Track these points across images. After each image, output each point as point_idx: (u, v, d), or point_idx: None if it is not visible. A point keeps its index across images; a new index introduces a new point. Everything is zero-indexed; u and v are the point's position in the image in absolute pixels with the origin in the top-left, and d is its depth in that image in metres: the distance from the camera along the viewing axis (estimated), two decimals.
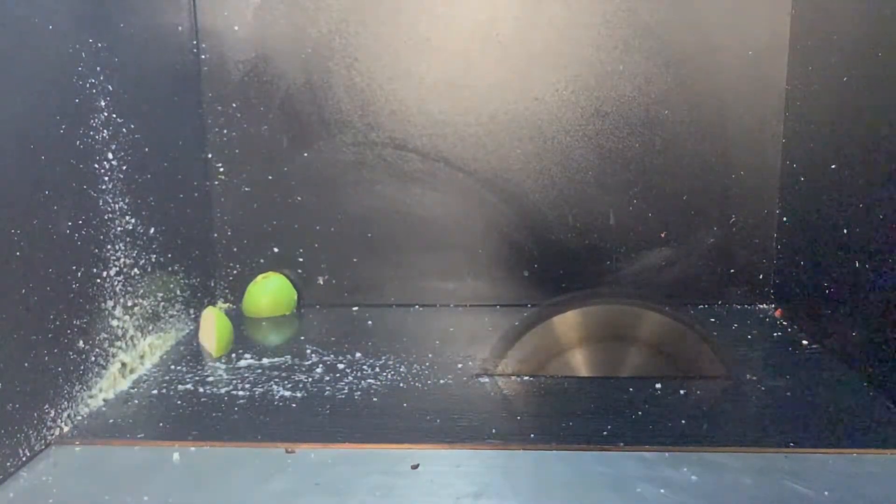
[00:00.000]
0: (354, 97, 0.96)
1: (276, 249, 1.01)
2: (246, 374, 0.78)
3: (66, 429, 0.66)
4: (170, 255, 0.87)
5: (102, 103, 0.73)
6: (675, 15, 0.92)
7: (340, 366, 0.80)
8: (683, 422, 0.66)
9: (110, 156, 0.74)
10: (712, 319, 0.93)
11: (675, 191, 0.96)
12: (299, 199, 0.99)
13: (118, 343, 0.76)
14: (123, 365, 0.76)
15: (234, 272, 1.01)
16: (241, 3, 0.95)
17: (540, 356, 0.83)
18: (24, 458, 0.60)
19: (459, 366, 0.80)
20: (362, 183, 0.98)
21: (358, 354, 0.83)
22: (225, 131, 0.97)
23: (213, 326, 0.85)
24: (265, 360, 0.82)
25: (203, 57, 0.96)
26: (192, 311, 0.93)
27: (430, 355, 0.83)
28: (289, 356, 0.83)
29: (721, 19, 0.92)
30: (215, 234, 1.00)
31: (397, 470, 0.59)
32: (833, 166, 0.80)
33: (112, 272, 0.75)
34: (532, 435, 0.64)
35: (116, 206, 0.76)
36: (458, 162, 0.97)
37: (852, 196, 0.76)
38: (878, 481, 0.56)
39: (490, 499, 0.55)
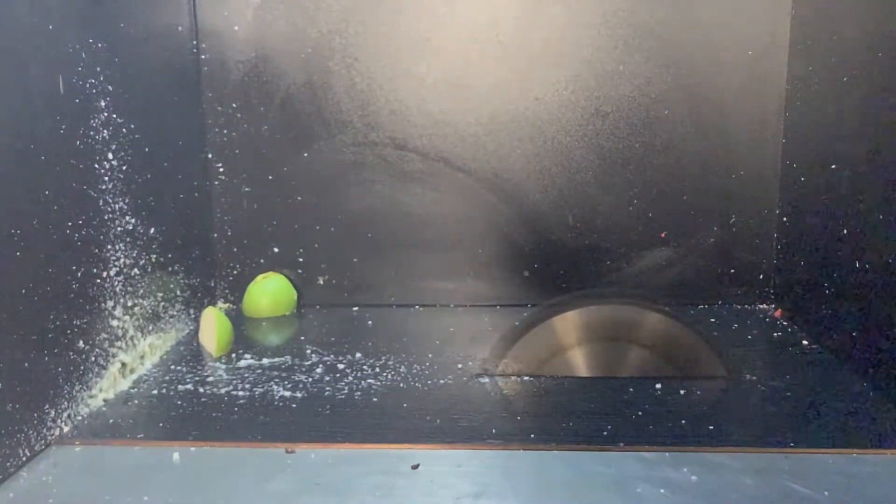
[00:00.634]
0: (354, 97, 0.96)
1: (276, 249, 1.01)
2: (246, 374, 0.78)
3: (66, 429, 0.66)
4: (170, 255, 0.87)
5: (102, 103, 0.73)
6: (675, 15, 0.92)
7: (340, 366, 0.80)
8: (683, 422, 0.66)
9: (110, 156, 0.74)
10: (712, 319, 0.93)
11: (675, 191, 0.96)
12: (299, 199, 0.99)
13: (118, 343, 0.76)
14: (123, 365, 0.76)
15: (234, 272, 1.01)
16: (241, 3, 0.95)
17: (540, 356, 0.83)
18: (24, 458, 0.60)
19: (459, 366, 0.80)
20: (362, 183, 0.98)
21: (358, 354, 0.83)
22: (225, 131, 0.97)
23: (213, 326, 0.85)
24: (265, 360, 0.82)
25: (203, 57, 0.96)
26: (192, 311, 0.93)
27: (430, 355, 0.83)
28: (289, 356, 0.83)
29: (721, 19, 0.92)
30: (215, 234, 1.00)
31: (397, 470, 0.59)
32: (833, 166, 0.80)
33: (112, 272, 0.75)
34: (532, 435, 0.64)
35: (116, 206, 0.76)
36: (458, 162, 0.97)
37: (852, 196, 0.76)
38: (878, 481, 0.56)
39: (490, 499, 0.55)
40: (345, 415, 0.69)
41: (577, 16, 0.93)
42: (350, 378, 0.77)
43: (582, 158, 0.96)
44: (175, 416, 0.69)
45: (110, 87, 0.74)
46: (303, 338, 0.89)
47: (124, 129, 0.77)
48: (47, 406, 0.64)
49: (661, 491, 0.55)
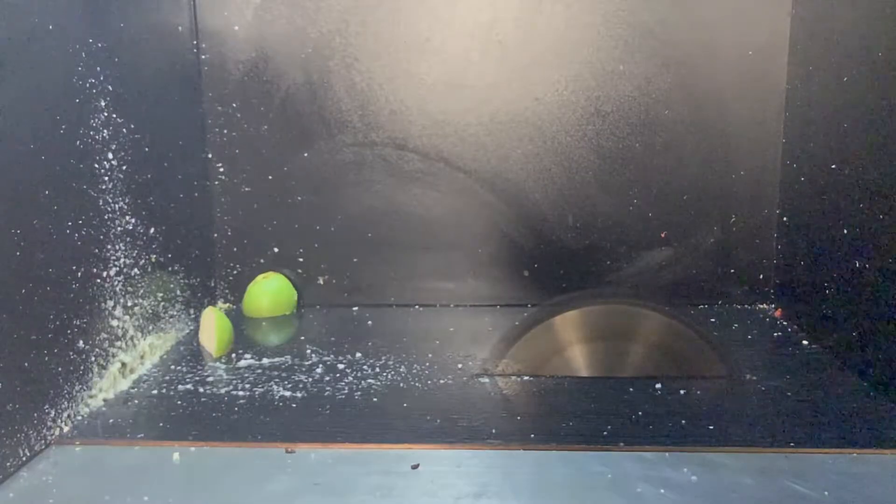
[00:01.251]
0: (354, 97, 0.96)
1: (276, 249, 1.01)
2: (246, 374, 0.78)
3: (66, 429, 0.66)
4: (170, 255, 0.87)
5: (102, 103, 0.73)
6: (675, 15, 0.92)
7: (340, 366, 0.80)
8: (683, 422, 0.66)
9: (110, 156, 0.74)
10: (712, 319, 0.93)
11: (675, 191, 0.96)
12: (299, 199, 0.99)
13: (118, 343, 0.76)
14: (123, 365, 0.76)
15: (234, 272, 1.01)
16: (241, 3, 0.95)
17: (540, 356, 0.83)
18: (24, 458, 0.60)
19: (459, 366, 0.80)
20: (362, 183, 0.98)
21: (358, 354, 0.83)
22: (225, 131, 0.97)
23: (213, 326, 0.85)
24: (265, 360, 0.82)
25: (203, 57, 0.96)
26: (192, 311, 0.93)
27: (430, 355, 0.83)
28: (289, 356, 0.83)
29: (721, 19, 0.92)
30: (215, 234, 1.00)
31: (397, 470, 0.59)
32: (833, 166, 0.80)
33: (112, 272, 0.75)
34: (532, 435, 0.64)
35: (116, 206, 0.76)
36: (458, 162, 0.97)
37: (852, 196, 0.76)
38: (878, 481, 0.56)
39: (490, 499, 0.55)
40: (345, 415, 0.69)
41: (577, 16, 0.93)
42: (350, 378, 0.77)
43: (582, 158, 0.96)
44: (175, 416, 0.69)
45: (110, 87, 0.74)
46: (303, 338, 0.89)
47: (124, 129, 0.77)
48: (47, 406, 0.64)
49: (661, 491, 0.55)
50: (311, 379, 0.77)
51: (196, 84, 0.95)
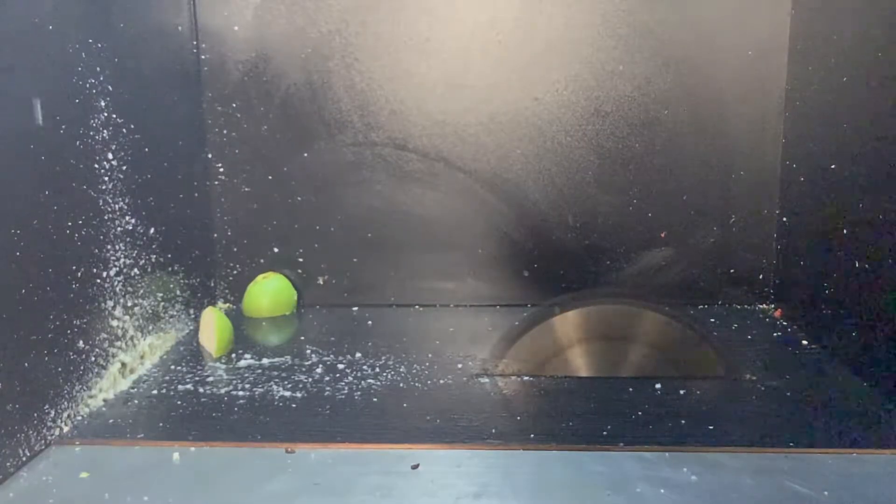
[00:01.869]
0: (354, 97, 0.96)
1: (276, 249, 1.01)
2: (246, 374, 0.78)
3: (66, 429, 0.66)
4: (170, 255, 0.87)
5: (102, 103, 0.73)
6: (675, 15, 0.92)
7: (340, 366, 0.80)
8: (683, 422, 0.66)
9: (110, 156, 0.74)
10: (712, 319, 0.93)
11: (675, 191, 0.96)
12: (299, 199, 0.99)
13: (118, 343, 0.76)
14: (123, 365, 0.76)
15: (234, 272, 1.01)
16: (241, 3, 0.95)
17: (540, 356, 0.84)
18: (24, 458, 0.60)
19: (459, 366, 0.80)
20: (362, 183, 0.98)
21: (358, 354, 0.83)
22: (225, 131, 0.97)
23: (213, 326, 0.85)
24: (265, 360, 0.82)
25: (203, 57, 0.96)
26: (192, 311, 0.93)
27: (430, 355, 0.83)
28: (289, 356, 0.83)
29: (721, 19, 0.92)
30: (215, 234, 1.00)
31: (397, 470, 0.59)
32: (833, 166, 0.80)
33: (112, 272, 0.75)
34: (532, 435, 0.64)
35: (116, 206, 0.76)
36: (458, 162, 0.97)
37: (852, 196, 0.76)
38: (878, 481, 0.56)
39: (490, 499, 0.55)
40: (345, 415, 0.69)
41: (577, 16, 0.93)
42: (350, 378, 0.77)
43: (582, 158, 0.96)
44: (175, 416, 0.69)
45: (110, 87, 0.74)
46: (303, 338, 0.89)
47: (124, 129, 0.77)
48: (47, 406, 0.64)
49: (661, 491, 0.55)
50: (311, 379, 0.77)
51: (196, 84, 0.95)
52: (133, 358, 0.78)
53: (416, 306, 1.01)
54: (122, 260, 0.76)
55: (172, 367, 0.80)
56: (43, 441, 0.63)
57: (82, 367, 0.69)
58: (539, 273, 0.99)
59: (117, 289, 0.76)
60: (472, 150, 0.97)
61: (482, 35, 0.94)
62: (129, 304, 0.78)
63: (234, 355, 0.84)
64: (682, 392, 0.72)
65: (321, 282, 1.01)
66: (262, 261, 1.01)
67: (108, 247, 0.74)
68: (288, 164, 0.98)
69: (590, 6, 0.92)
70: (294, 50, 0.95)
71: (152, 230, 0.83)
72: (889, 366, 0.69)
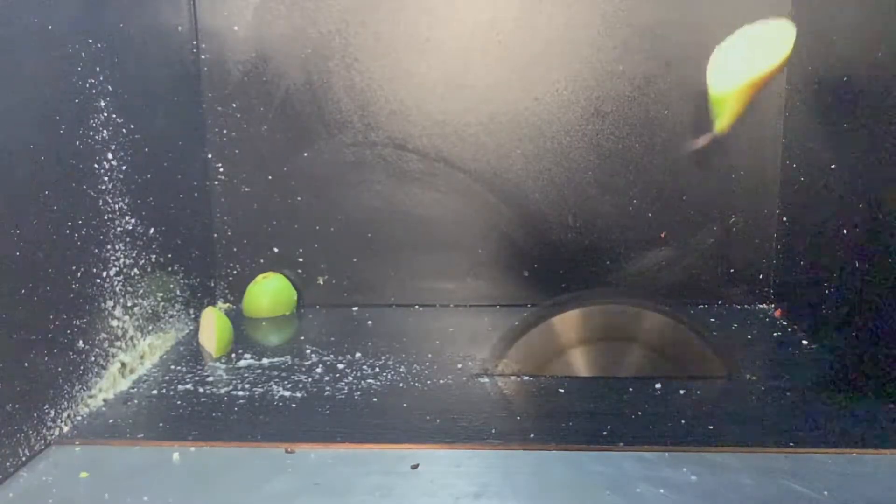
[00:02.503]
0: (354, 97, 0.96)
1: (276, 249, 1.01)
2: (246, 374, 0.78)
3: (66, 429, 0.66)
4: (170, 255, 0.87)
5: (102, 103, 0.73)
6: (675, 15, 0.92)
7: (340, 366, 0.80)
8: (683, 422, 0.66)
9: (110, 156, 0.74)
10: (712, 319, 0.93)
11: (675, 191, 0.96)
12: (299, 199, 0.99)
13: (118, 343, 0.76)
14: (123, 365, 0.76)
15: (234, 272, 1.01)
16: (241, 3, 0.95)
17: (540, 356, 0.83)
18: (24, 458, 0.60)
19: (459, 366, 0.80)
20: (362, 183, 0.98)
21: (358, 354, 0.83)
22: (225, 131, 0.97)
23: (213, 326, 0.85)
24: (265, 360, 0.82)
25: (203, 57, 0.96)
26: (192, 311, 0.93)
27: (430, 355, 0.83)
28: (289, 356, 0.83)
29: (721, 19, 0.92)
30: (215, 234, 1.00)
31: (397, 470, 0.59)
32: (833, 166, 0.80)
33: (112, 272, 0.75)
34: (532, 435, 0.64)
35: (116, 206, 0.76)
36: (458, 162, 0.97)
37: (852, 196, 0.76)
38: (878, 481, 0.56)
39: (490, 499, 0.55)
40: (345, 415, 0.69)
41: (577, 16, 0.93)
42: (350, 378, 0.77)
43: (582, 158, 0.96)
44: (175, 416, 0.69)
45: (110, 87, 0.74)
46: (303, 338, 0.89)
47: (124, 129, 0.77)
48: (47, 406, 0.64)
49: (661, 491, 0.55)
50: (310, 379, 0.77)
51: (196, 84, 0.95)
52: (133, 358, 0.78)
53: (416, 306, 1.01)
54: (121, 260, 0.76)
55: (172, 367, 0.80)
56: (43, 441, 0.63)
57: (82, 367, 0.69)
58: (539, 273, 0.99)
59: (117, 289, 0.76)
60: (472, 150, 0.97)
61: (482, 35, 0.94)
62: (129, 303, 0.78)
63: (233, 355, 0.84)
64: (682, 392, 0.72)
65: (321, 282, 1.01)
66: (262, 261, 1.01)
67: (108, 247, 0.74)
68: (288, 165, 0.98)
69: (590, 6, 0.92)
70: (294, 50, 0.95)
71: (152, 230, 0.83)
72: (889, 366, 0.69)
